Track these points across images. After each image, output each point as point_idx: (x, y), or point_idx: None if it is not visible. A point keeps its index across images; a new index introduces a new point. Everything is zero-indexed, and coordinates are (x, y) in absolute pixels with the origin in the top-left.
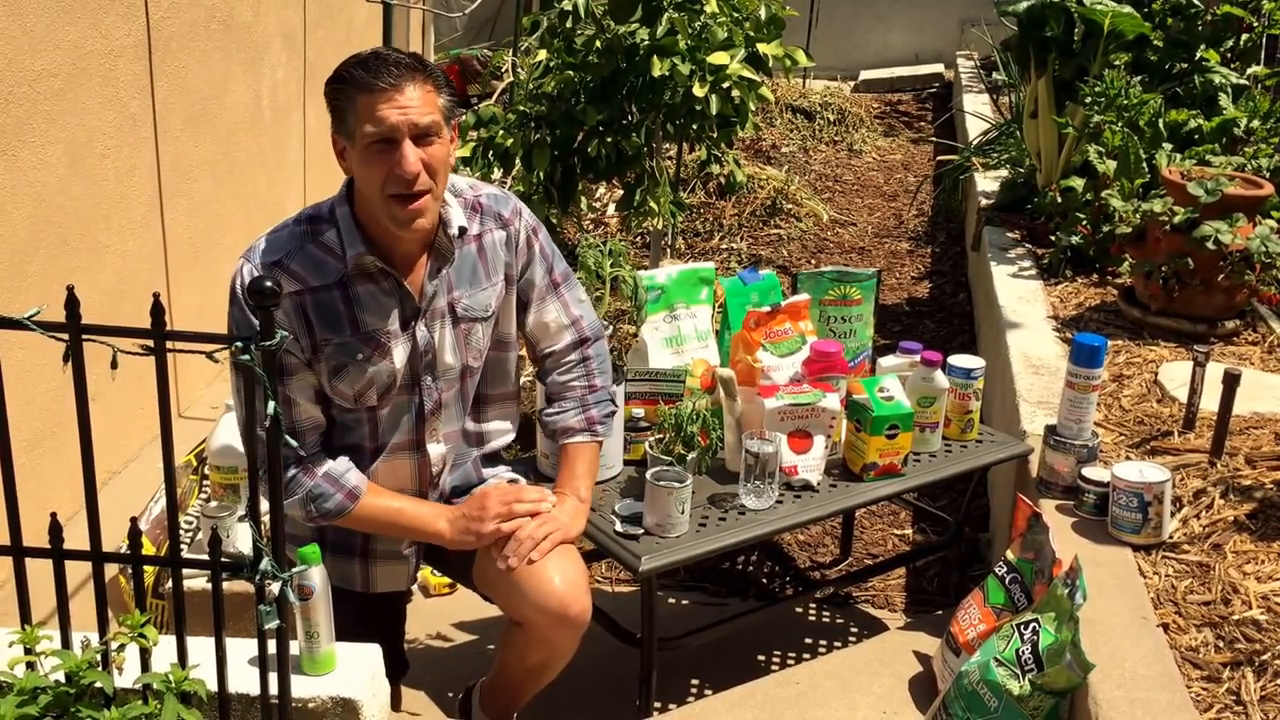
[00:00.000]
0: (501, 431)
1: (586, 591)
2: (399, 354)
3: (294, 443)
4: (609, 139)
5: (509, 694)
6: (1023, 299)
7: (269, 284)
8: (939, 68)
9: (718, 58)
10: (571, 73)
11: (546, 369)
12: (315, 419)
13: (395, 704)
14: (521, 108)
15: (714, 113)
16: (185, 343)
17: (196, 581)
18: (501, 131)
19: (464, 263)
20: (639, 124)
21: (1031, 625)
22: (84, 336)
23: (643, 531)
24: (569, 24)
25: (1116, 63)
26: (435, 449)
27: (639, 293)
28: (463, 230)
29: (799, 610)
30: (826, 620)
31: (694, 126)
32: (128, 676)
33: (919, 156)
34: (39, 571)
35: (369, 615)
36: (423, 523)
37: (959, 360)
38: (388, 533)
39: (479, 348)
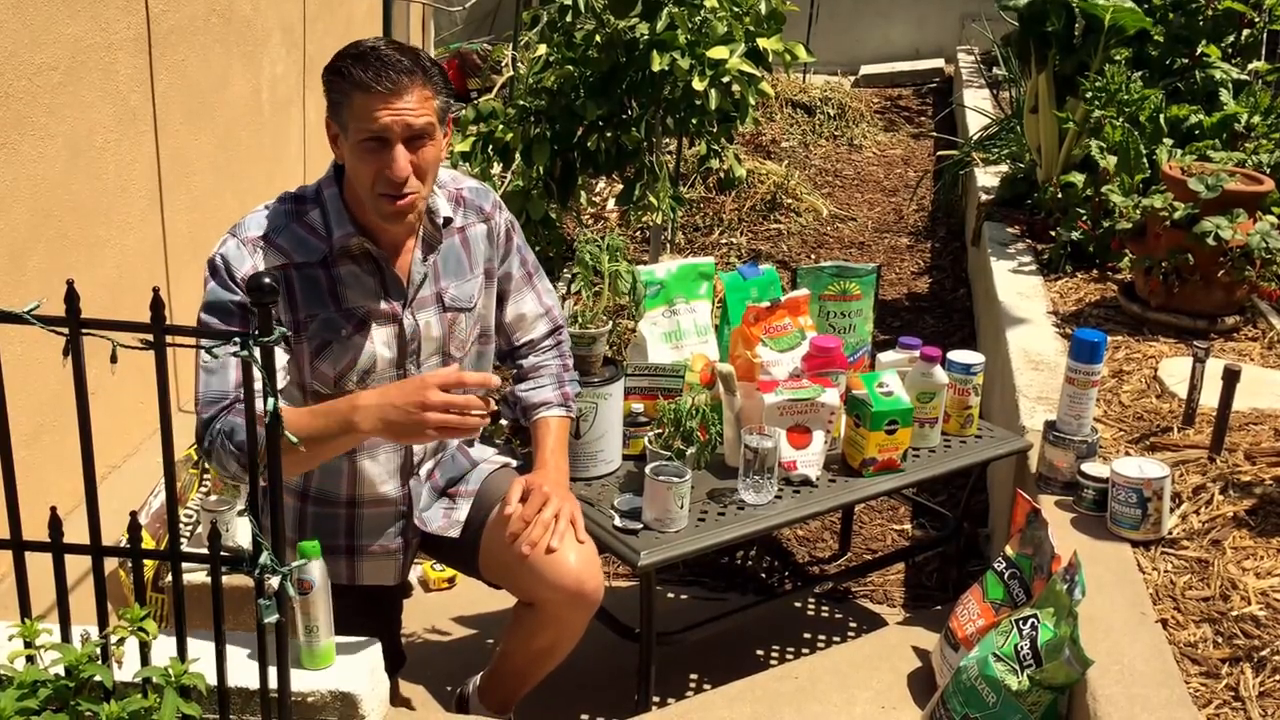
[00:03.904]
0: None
1: (600, 570)
2: (383, 337)
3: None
4: (609, 134)
5: (510, 682)
6: (1023, 294)
7: (267, 280)
8: (939, 63)
9: (717, 52)
10: (571, 67)
11: (522, 353)
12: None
13: (393, 697)
14: (521, 102)
15: (714, 108)
16: (185, 337)
17: (196, 575)
18: (501, 126)
19: (449, 253)
20: (639, 119)
21: (1030, 621)
22: (83, 331)
23: (641, 526)
24: (569, 18)
25: (1117, 58)
26: None
27: (637, 288)
28: (448, 221)
29: (798, 605)
30: (825, 615)
31: (694, 121)
32: (127, 670)
33: (919, 152)
34: (39, 565)
35: (365, 608)
36: (339, 418)
37: (958, 355)
38: (320, 451)
39: (462, 338)
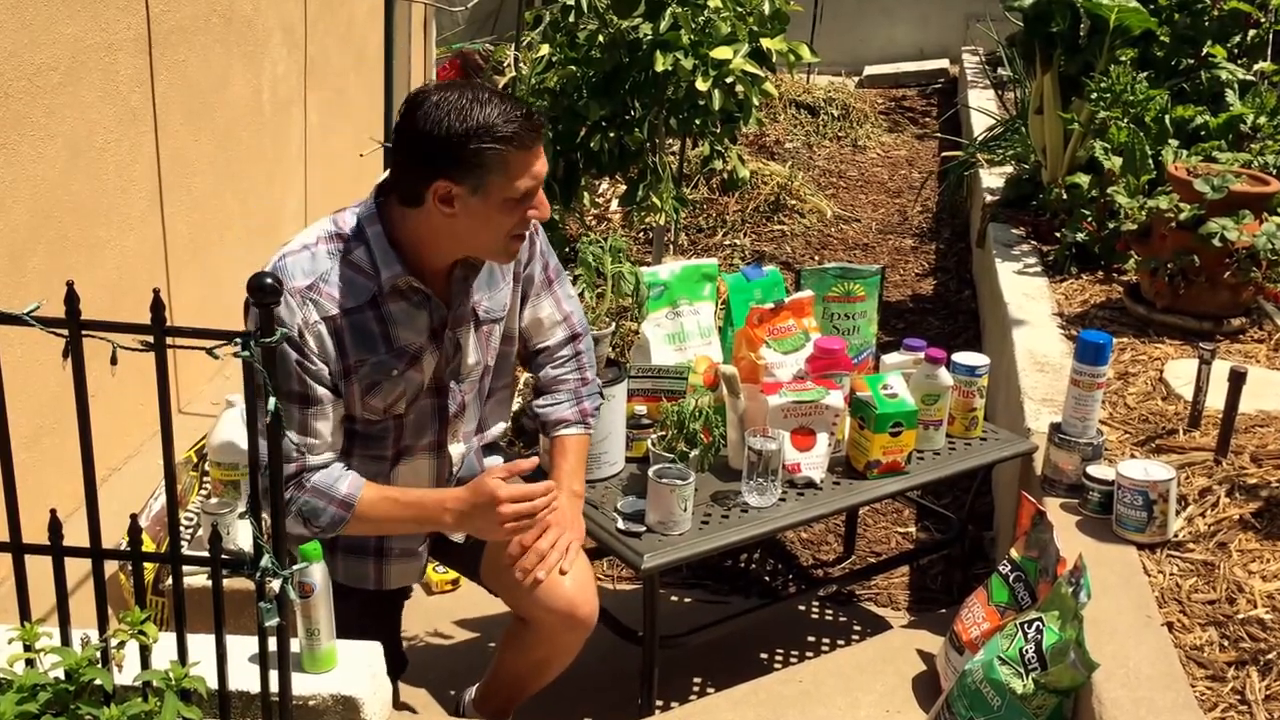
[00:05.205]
0: (499, 421)
1: (595, 593)
2: (428, 363)
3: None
4: (611, 134)
5: (507, 691)
6: (1028, 296)
7: (269, 280)
8: (944, 63)
9: (721, 53)
10: (574, 68)
11: (539, 363)
12: (327, 446)
13: (394, 701)
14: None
15: (717, 108)
16: (185, 339)
17: (197, 578)
18: None
19: (483, 266)
20: (642, 119)
21: (1035, 624)
22: (84, 332)
23: (645, 529)
24: (571, 18)
25: (1122, 58)
26: (456, 449)
27: (640, 289)
28: None
29: (802, 608)
30: (829, 618)
31: (697, 122)
32: (127, 674)
33: (923, 152)
34: (39, 568)
35: (369, 612)
36: (426, 516)
37: (963, 357)
38: (395, 531)
39: (495, 347)
